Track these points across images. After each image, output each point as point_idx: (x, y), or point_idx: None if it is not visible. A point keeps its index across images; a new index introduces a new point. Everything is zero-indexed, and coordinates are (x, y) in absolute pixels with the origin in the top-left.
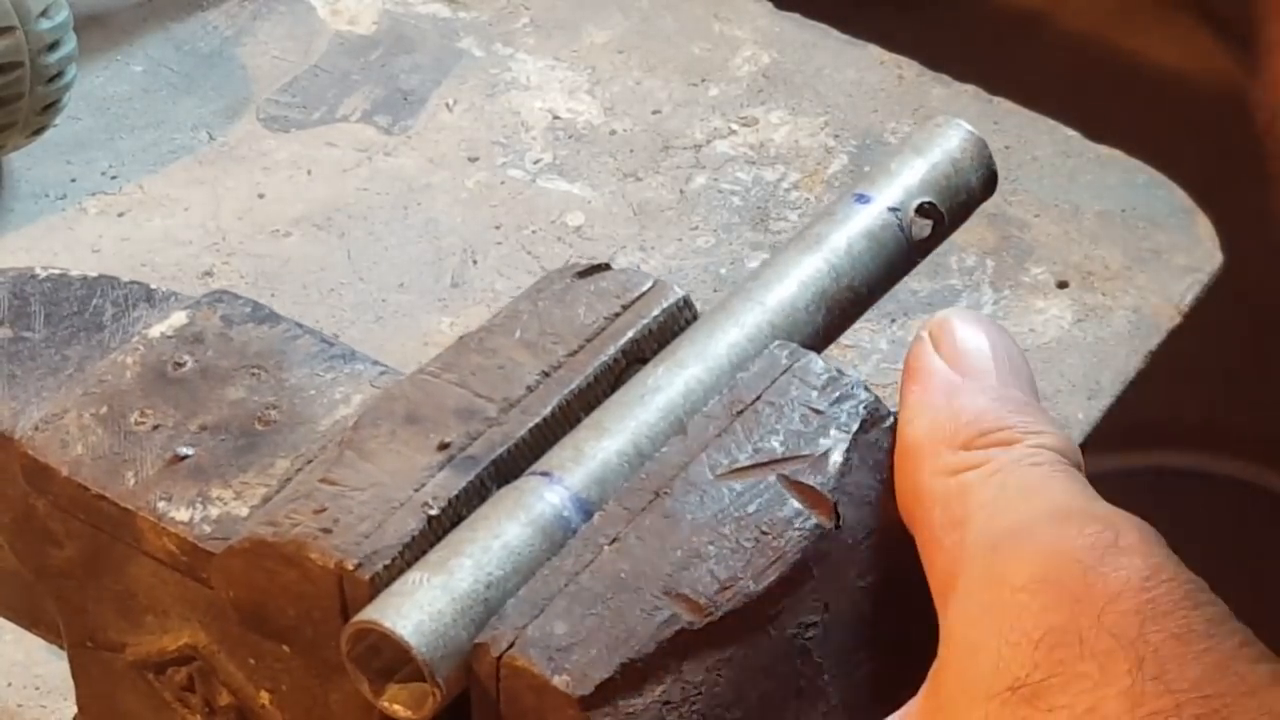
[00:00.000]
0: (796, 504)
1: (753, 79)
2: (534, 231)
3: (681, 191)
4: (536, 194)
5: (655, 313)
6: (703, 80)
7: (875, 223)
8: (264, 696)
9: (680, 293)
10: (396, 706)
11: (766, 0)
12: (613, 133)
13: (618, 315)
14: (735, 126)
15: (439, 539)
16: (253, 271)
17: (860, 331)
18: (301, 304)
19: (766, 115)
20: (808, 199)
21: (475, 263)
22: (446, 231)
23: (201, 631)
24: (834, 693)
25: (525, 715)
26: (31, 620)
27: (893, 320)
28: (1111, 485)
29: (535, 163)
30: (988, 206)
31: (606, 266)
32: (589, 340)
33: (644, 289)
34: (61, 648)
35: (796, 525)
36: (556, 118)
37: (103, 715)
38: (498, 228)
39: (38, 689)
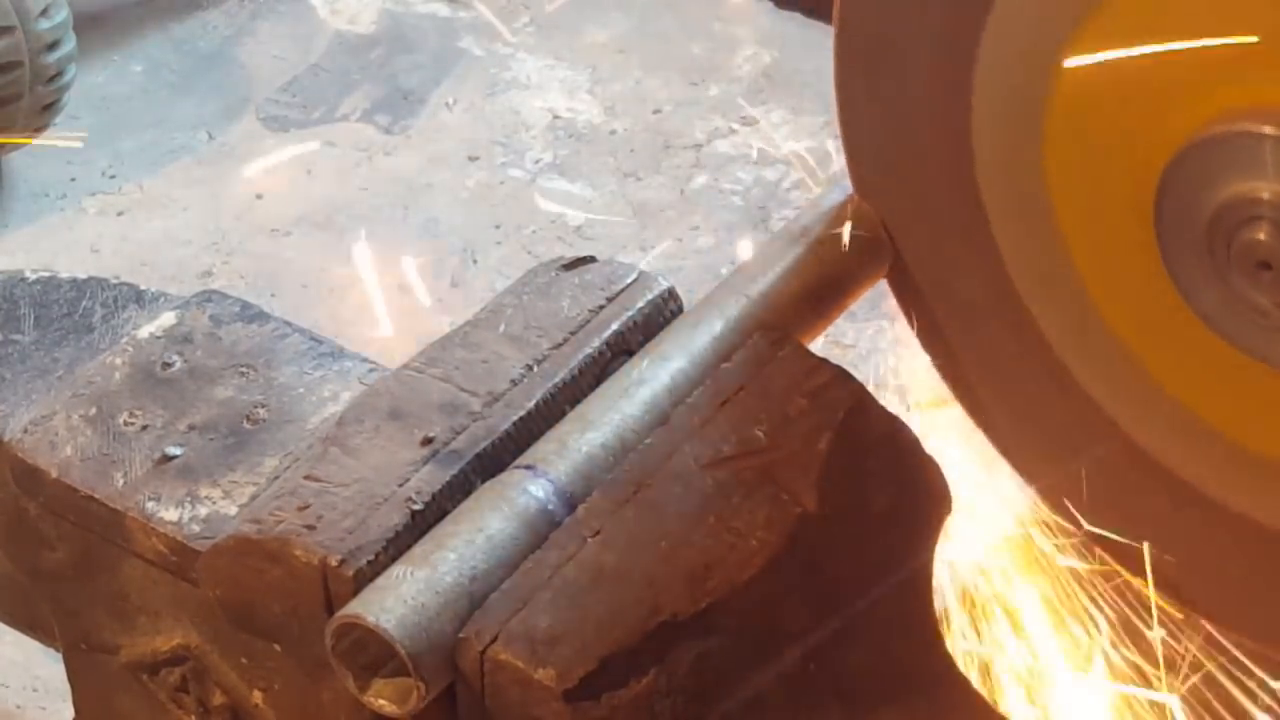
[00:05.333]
0: (780, 493)
1: (753, 79)
2: (534, 231)
3: (682, 191)
4: (536, 194)
5: (640, 305)
6: (703, 80)
7: (863, 212)
8: (257, 696)
9: (665, 284)
10: (382, 701)
11: (766, 0)
12: (613, 132)
13: (602, 308)
14: (736, 126)
15: (423, 533)
16: (252, 271)
17: (862, 331)
18: (301, 304)
19: (767, 115)
20: (809, 199)
21: (475, 262)
22: (446, 231)
23: (194, 632)
24: (823, 681)
25: (510, 708)
26: (28, 624)
27: (894, 320)
28: None
29: (535, 162)
30: None
31: (591, 259)
32: (573, 333)
33: (629, 281)
34: (58, 650)
35: (780, 515)
36: (557, 117)
37: (99, 717)
38: (498, 227)
39: (36, 690)
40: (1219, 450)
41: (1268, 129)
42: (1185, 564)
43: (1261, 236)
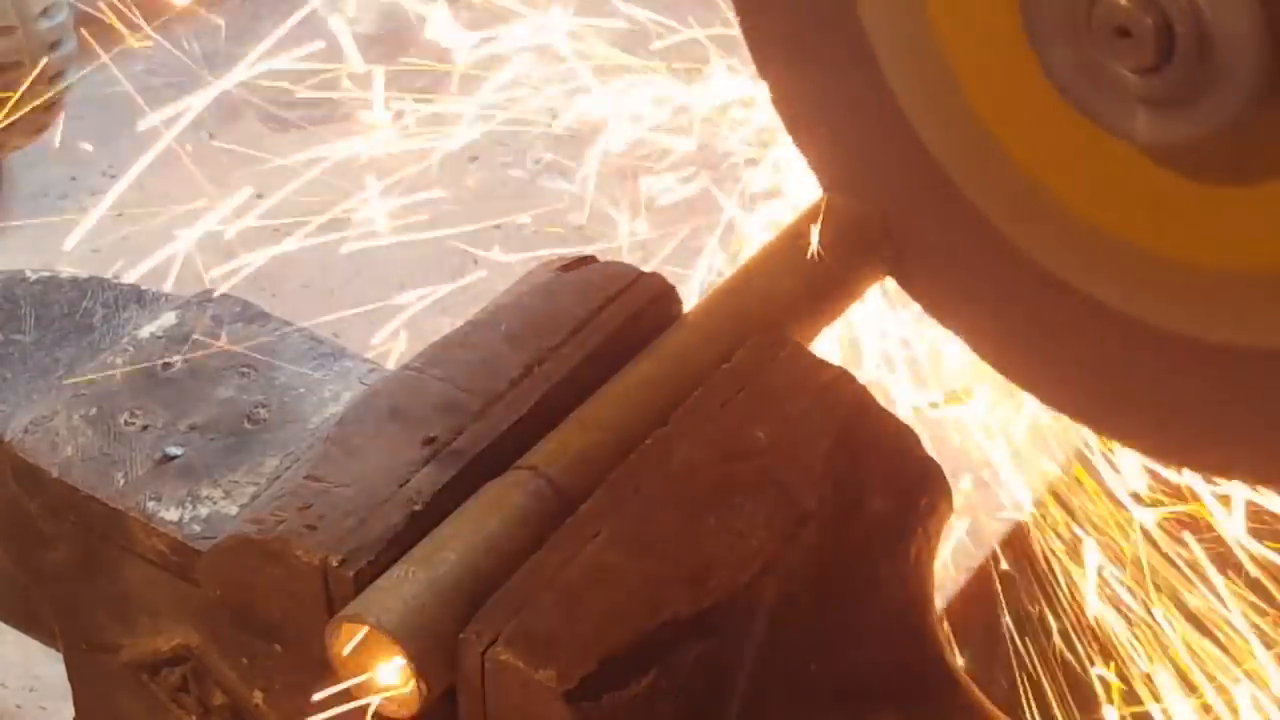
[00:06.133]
0: (781, 494)
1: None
2: (534, 231)
3: (684, 191)
4: (536, 194)
5: (640, 304)
6: (707, 79)
7: (864, 214)
8: (257, 695)
9: (665, 284)
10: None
11: None
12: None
13: (602, 308)
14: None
15: (424, 533)
16: (253, 271)
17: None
18: (301, 304)
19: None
20: (810, 200)
21: (475, 262)
22: (446, 232)
23: (194, 632)
24: (824, 681)
25: (511, 709)
26: (29, 623)
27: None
28: None
29: (535, 163)
30: None
31: (591, 259)
32: (573, 333)
33: (628, 281)
34: (58, 650)
35: (781, 515)
36: (557, 117)
37: (100, 717)
38: (498, 228)
39: (36, 690)
40: (1082, 237)
41: None
42: (1047, 356)
43: (1122, 1)
